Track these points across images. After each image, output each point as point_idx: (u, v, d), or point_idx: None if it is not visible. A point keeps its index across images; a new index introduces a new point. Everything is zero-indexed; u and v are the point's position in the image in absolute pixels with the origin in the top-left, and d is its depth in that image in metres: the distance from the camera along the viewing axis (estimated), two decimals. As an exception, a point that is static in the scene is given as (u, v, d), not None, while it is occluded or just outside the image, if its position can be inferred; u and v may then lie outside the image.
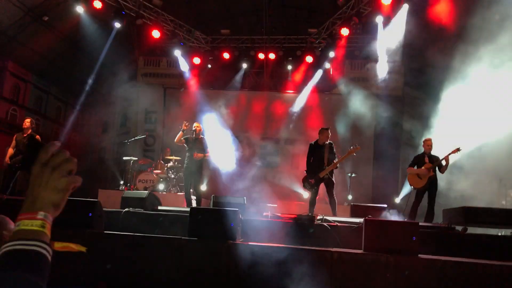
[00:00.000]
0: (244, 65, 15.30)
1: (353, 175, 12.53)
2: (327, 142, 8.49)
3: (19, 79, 17.94)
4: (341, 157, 8.29)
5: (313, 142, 8.71)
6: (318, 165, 8.37)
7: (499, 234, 7.80)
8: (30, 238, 0.99)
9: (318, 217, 7.01)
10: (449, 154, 8.14)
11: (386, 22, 12.55)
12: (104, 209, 6.62)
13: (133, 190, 11.81)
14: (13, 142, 8.97)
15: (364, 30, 13.60)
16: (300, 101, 15.04)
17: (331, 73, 14.80)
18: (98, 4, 12.25)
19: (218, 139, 13.48)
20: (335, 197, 8.30)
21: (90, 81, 15.83)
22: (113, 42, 14.56)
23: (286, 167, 14.43)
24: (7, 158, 8.81)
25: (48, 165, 1.07)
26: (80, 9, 12.75)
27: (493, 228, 7.56)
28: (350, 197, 12.40)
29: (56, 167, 1.07)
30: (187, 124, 8.90)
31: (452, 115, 10.52)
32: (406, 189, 10.50)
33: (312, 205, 8.30)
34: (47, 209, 1.05)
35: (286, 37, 15.09)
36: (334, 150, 8.54)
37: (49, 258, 1.01)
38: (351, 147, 8.42)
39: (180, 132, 8.86)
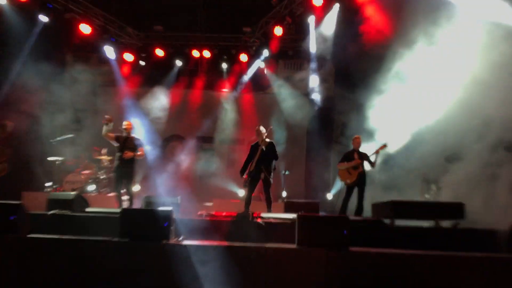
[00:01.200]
0: (179, 63, 15.06)
1: (287, 172, 12.78)
2: (267, 141, 8.57)
3: None
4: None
5: (253, 144, 8.79)
6: (256, 164, 8.43)
7: (424, 226, 8.27)
8: None
9: (255, 214, 7.06)
10: (377, 150, 8.52)
11: (318, 22, 12.90)
12: (28, 212, 6.24)
13: (60, 191, 11.27)
14: None
15: (297, 30, 13.87)
16: (234, 100, 15.08)
17: (265, 72, 14.93)
18: (21, -4, 11.51)
19: (149, 139, 13.24)
20: (271, 196, 8.41)
21: (13, 78, 14.87)
22: (40, 37, 13.76)
23: (221, 166, 14.39)
24: None
25: None
26: (2, 0, 11.89)
27: (418, 221, 8.01)
28: (284, 194, 12.63)
29: None
30: (109, 117, 8.62)
31: (381, 112, 11.00)
32: (338, 185, 10.87)
33: (247, 203, 8.34)
34: None
35: (221, 35, 15.03)
36: (276, 149, 8.63)
37: None
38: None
39: (104, 126, 8.58)
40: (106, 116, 8.62)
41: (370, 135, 10.22)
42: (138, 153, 8.66)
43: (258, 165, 8.38)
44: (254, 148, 8.65)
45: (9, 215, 5.66)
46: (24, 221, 5.87)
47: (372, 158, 8.57)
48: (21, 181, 14.43)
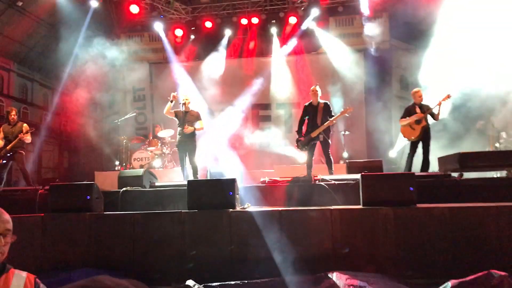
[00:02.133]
0: (228, 32, 15.03)
1: (347, 133, 12.56)
2: (322, 102, 8.41)
3: (1, 68, 17.62)
4: (332, 118, 8.21)
5: (307, 103, 8.62)
6: (312, 125, 8.32)
7: (495, 176, 7.90)
8: None
9: (316, 177, 7.05)
10: (440, 101, 8.12)
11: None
12: (101, 190, 6.61)
13: (129, 169, 11.82)
14: (1, 134, 8.89)
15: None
16: (287, 64, 14.89)
17: (316, 32, 14.55)
18: (71, -16, 11.88)
19: (207, 111, 13.44)
20: (331, 157, 8.30)
21: (72, 63, 15.58)
22: (92, 22, 14.24)
23: (280, 132, 14.39)
24: None
25: None
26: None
27: (489, 171, 7.65)
28: (345, 154, 12.46)
29: None
30: (175, 95, 8.80)
31: (441, 62, 10.48)
32: (401, 141, 10.55)
33: (309, 166, 8.30)
34: None
35: (268, 0, 14.79)
36: (331, 109, 8.44)
37: None
38: (343, 108, 8.35)
39: (169, 103, 8.77)
40: (172, 94, 8.78)
41: (430, 86, 9.77)
42: (198, 126, 8.84)
43: (315, 126, 8.26)
44: (308, 108, 8.50)
45: (85, 195, 6.03)
46: (98, 199, 6.24)
47: (435, 110, 8.18)
48: (93, 162, 15.37)
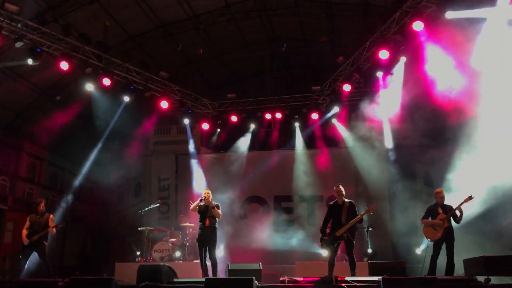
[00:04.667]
0: (252, 126, 15.60)
1: (370, 228, 12.32)
2: (347, 201, 8.43)
3: (34, 157, 18.47)
4: (358, 217, 8.17)
5: (332, 203, 8.66)
6: (336, 224, 8.28)
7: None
8: None
9: (338, 278, 6.87)
10: (462, 203, 8.03)
11: (387, 75, 12.87)
12: (120, 283, 6.60)
13: (149, 261, 11.77)
14: (27, 223, 9.13)
15: (367, 83, 13.88)
16: (309, 158, 15.12)
17: (337, 127, 14.95)
18: (107, 82, 12.77)
19: (228, 203, 13.55)
20: (354, 258, 8.15)
21: (102, 152, 16.30)
22: (124, 114, 15.07)
23: (302, 225, 14.25)
24: (25, 238, 8.92)
25: None
26: (90, 87, 13.25)
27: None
28: (369, 250, 12.12)
29: None
30: (206, 194, 8.99)
31: (466, 162, 10.51)
32: (425, 241, 10.29)
33: (331, 265, 8.13)
34: None
35: (291, 96, 15.47)
36: (356, 209, 8.41)
37: None
38: (367, 207, 8.33)
39: (198, 201, 8.97)
40: (204, 194, 9.01)
41: (453, 186, 9.74)
42: (217, 219, 8.96)
43: (340, 224, 8.21)
44: (333, 207, 8.53)
45: (104, 290, 6.05)
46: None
47: (457, 212, 8.07)
48: (116, 250, 15.39)
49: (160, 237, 12.76)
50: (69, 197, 18.63)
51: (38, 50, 11.66)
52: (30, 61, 11.72)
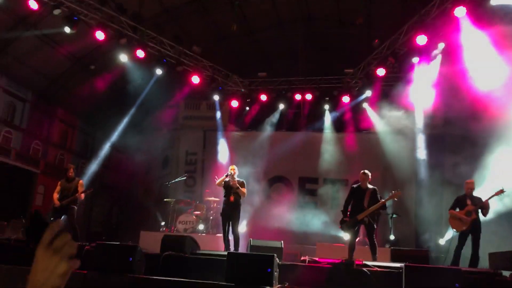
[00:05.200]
0: (281, 106, 15.54)
1: (394, 215, 12.23)
2: (370, 187, 8.38)
3: (67, 124, 18.93)
4: (381, 201, 8.12)
5: (355, 185, 8.63)
6: (358, 207, 8.26)
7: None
8: None
9: (358, 262, 6.88)
10: (493, 195, 7.85)
11: (422, 61, 12.54)
12: (144, 251, 6.79)
13: (173, 231, 12.04)
14: (58, 188, 9.46)
15: (401, 69, 13.60)
16: (338, 141, 15.00)
17: (368, 112, 14.73)
18: (140, 54, 12.89)
19: (254, 180, 13.62)
20: (375, 241, 8.13)
21: (133, 123, 16.60)
22: (156, 87, 15.25)
23: (324, 208, 14.24)
24: (56, 201, 9.24)
25: (51, 248, 1.08)
26: (124, 57, 13.42)
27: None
28: (392, 237, 12.07)
29: (58, 251, 1.09)
30: (232, 170, 9.07)
31: (499, 155, 10.22)
32: (450, 231, 10.15)
33: (351, 249, 8.14)
34: None
35: (323, 78, 15.26)
36: (378, 196, 8.36)
37: None
38: (392, 192, 8.26)
39: (224, 176, 9.06)
40: (230, 170, 9.08)
41: (484, 177, 9.51)
42: (241, 196, 9.05)
43: (362, 209, 8.18)
44: (356, 190, 8.49)
45: (128, 256, 6.22)
46: (140, 262, 6.40)
47: (486, 205, 7.89)
48: (141, 220, 15.78)
49: (185, 209, 13.00)
50: (98, 165, 19.13)
51: (75, 18, 11.85)
52: (67, 29, 11.94)
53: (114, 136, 17.34)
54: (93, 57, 16.51)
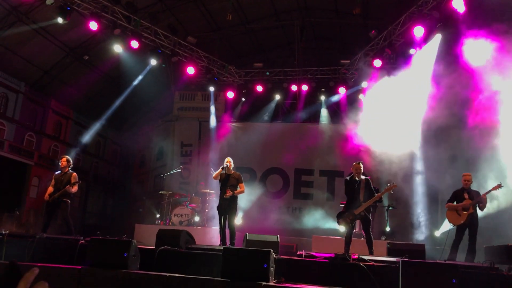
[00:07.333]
0: (277, 97, 15.41)
1: (390, 208, 12.21)
2: (363, 178, 8.29)
3: (60, 116, 18.75)
4: (377, 195, 8.05)
5: (348, 177, 8.53)
6: (354, 201, 8.18)
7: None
8: None
9: (354, 256, 6.83)
10: (490, 190, 7.80)
11: (419, 52, 12.44)
12: (139, 246, 6.71)
13: (168, 224, 11.96)
14: (53, 181, 9.08)
15: (397, 60, 13.50)
16: (333, 132, 14.92)
17: (363, 104, 14.63)
18: (135, 44, 12.74)
19: (249, 172, 13.55)
20: (371, 235, 8.07)
21: (126, 115, 16.45)
22: (150, 78, 15.08)
23: (321, 200, 14.21)
24: (46, 195, 8.90)
25: None
26: (118, 48, 13.24)
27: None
28: (388, 229, 12.05)
29: None
30: (228, 162, 8.94)
31: (498, 149, 10.18)
32: (446, 224, 10.14)
33: (347, 243, 8.09)
34: None
35: (319, 69, 15.16)
36: (372, 186, 8.28)
37: None
38: (388, 184, 8.19)
39: (220, 169, 8.94)
40: (226, 162, 8.95)
41: (482, 170, 9.46)
42: (238, 189, 8.94)
43: (357, 203, 8.11)
44: (349, 182, 8.39)
45: (123, 251, 6.14)
46: (135, 256, 6.33)
47: (483, 199, 7.85)
48: (136, 212, 15.73)
49: (180, 202, 12.92)
50: (94, 158, 19.00)
51: (68, 8, 11.66)
52: (60, 20, 11.74)
53: (109, 128, 17.15)
54: (87, 47, 16.31)
